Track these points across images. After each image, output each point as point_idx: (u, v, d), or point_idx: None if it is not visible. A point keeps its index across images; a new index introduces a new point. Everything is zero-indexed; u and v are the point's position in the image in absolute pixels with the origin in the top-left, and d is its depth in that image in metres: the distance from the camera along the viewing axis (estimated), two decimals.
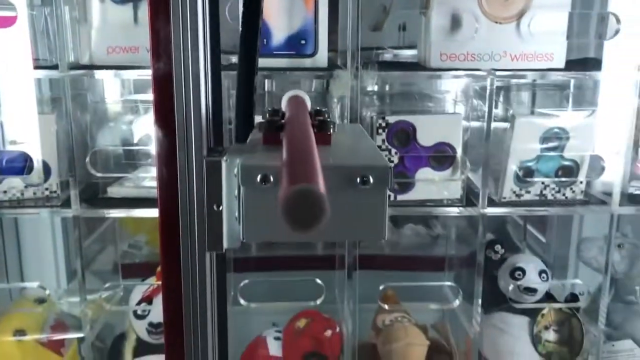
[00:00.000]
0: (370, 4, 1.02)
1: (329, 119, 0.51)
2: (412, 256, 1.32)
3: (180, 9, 0.48)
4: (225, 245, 0.48)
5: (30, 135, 0.92)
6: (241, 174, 0.42)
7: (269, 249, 1.30)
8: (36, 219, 1.16)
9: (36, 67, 0.90)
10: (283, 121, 0.50)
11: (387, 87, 1.13)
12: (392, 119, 0.93)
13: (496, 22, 0.89)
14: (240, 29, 0.53)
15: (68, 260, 1.22)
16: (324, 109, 0.53)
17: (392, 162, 0.94)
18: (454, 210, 0.96)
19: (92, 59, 0.94)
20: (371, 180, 0.42)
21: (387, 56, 1.11)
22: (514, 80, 1.06)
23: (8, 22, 0.88)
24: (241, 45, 0.53)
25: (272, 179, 0.41)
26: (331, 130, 0.50)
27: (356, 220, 0.43)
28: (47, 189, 0.96)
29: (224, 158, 0.46)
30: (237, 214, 0.46)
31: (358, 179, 0.42)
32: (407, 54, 1.09)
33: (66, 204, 0.94)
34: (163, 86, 0.49)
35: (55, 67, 0.90)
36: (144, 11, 0.91)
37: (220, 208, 0.47)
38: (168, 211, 0.50)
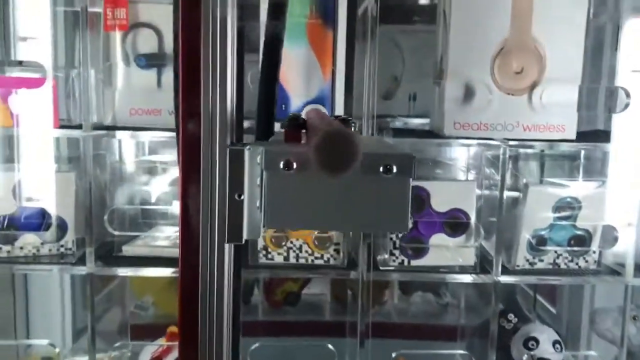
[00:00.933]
0: (381, 73, 1.05)
1: (349, 119, 0.52)
2: (423, 324, 1.31)
3: None
4: (245, 235, 0.47)
5: (49, 193, 0.94)
6: (265, 159, 0.43)
7: (278, 313, 1.29)
8: (46, 275, 1.16)
9: (59, 127, 0.93)
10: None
11: None
12: None
13: (509, 94, 0.92)
14: (264, 34, 0.54)
15: (74, 318, 1.21)
16: (343, 115, 0.53)
17: None
18: (467, 278, 0.96)
19: (114, 120, 0.97)
20: (394, 169, 0.42)
21: (398, 124, 1.14)
22: (521, 150, 1.08)
23: (36, 83, 0.91)
24: (265, 48, 0.54)
25: (295, 165, 0.42)
26: (352, 128, 0.51)
27: (379, 211, 0.43)
28: (62, 245, 0.96)
29: (247, 147, 0.46)
30: (258, 202, 0.46)
31: (381, 168, 0.42)
32: (416, 122, 1.12)
33: (80, 261, 0.94)
34: (191, 78, 0.48)
35: (78, 127, 0.93)
36: (168, 76, 0.95)
37: (242, 197, 0.47)
38: (188, 209, 0.48)
